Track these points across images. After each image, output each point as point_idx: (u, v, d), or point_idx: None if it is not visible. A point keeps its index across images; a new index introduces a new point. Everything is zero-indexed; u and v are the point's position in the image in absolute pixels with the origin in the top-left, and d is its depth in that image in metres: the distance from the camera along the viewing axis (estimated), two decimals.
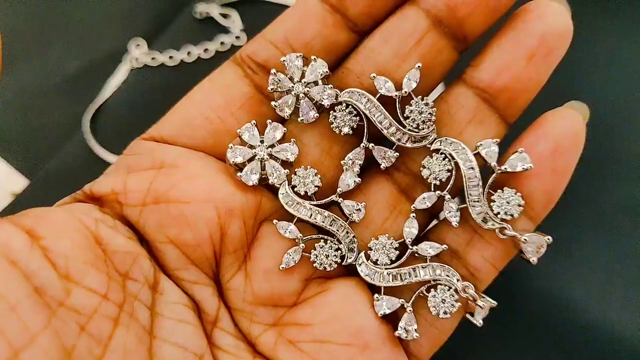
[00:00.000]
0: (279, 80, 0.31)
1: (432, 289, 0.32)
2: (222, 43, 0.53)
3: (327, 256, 0.32)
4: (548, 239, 0.30)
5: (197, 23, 0.54)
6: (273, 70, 0.31)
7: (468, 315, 0.32)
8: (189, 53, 0.52)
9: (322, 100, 0.31)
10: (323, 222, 0.32)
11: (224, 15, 0.54)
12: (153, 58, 0.52)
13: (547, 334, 0.42)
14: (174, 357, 0.28)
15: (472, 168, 0.31)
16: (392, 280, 0.32)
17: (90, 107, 0.50)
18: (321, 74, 0.31)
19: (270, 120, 0.32)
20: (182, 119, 0.32)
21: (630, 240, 0.44)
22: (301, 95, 0.31)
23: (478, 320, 0.31)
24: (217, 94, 0.32)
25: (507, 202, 0.31)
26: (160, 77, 0.52)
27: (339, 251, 0.32)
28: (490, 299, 0.31)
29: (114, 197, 0.30)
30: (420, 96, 0.31)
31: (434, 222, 0.34)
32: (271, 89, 0.31)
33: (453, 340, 0.33)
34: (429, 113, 0.31)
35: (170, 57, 0.52)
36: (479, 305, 0.31)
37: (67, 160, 0.50)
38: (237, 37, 0.53)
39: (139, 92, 0.51)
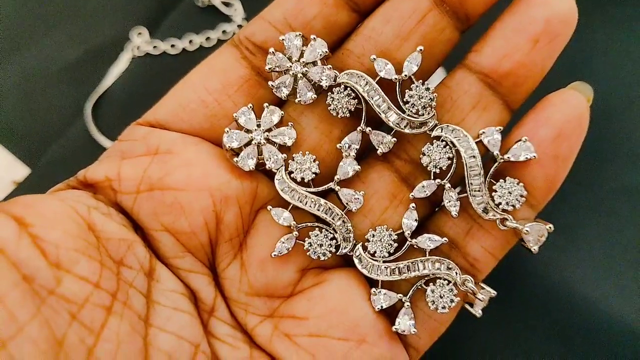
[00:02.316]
0: (277, 60, 0.30)
1: (431, 283, 0.31)
2: (224, 32, 0.52)
3: (320, 245, 0.31)
4: (549, 227, 0.29)
5: (199, 11, 0.53)
6: (271, 49, 0.30)
7: (467, 306, 0.31)
8: (190, 42, 0.52)
9: (321, 81, 0.31)
10: (318, 210, 0.31)
11: (226, 4, 0.53)
12: (155, 46, 0.51)
13: (547, 319, 0.42)
14: (170, 345, 0.27)
15: (474, 156, 0.30)
16: (390, 275, 0.31)
17: (92, 96, 0.50)
18: (320, 54, 0.30)
19: (267, 104, 0.31)
20: (178, 103, 0.31)
21: (629, 225, 0.43)
22: (299, 75, 0.31)
23: (477, 311, 0.30)
24: (214, 76, 0.31)
25: (509, 193, 0.30)
26: (162, 65, 0.52)
27: (334, 240, 0.31)
28: (489, 289, 0.30)
29: (108, 184, 0.30)
30: (420, 80, 0.30)
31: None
32: (269, 69, 0.31)
33: (451, 327, 0.32)
34: (430, 98, 0.30)
35: (172, 46, 0.51)
36: (479, 298, 0.30)
37: (68, 148, 0.49)
38: (239, 26, 0.52)
39: (140, 81, 0.51)
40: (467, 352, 0.42)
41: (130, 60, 0.50)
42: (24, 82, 0.51)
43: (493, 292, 0.30)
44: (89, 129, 0.49)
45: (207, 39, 0.53)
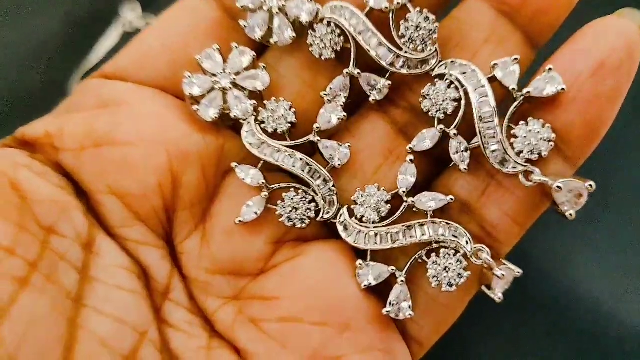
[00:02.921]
0: None
1: (433, 254, 0.24)
2: None
3: (295, 209, 0.25)
4: (590, 185, 0.23)
5: None
6: None
7: (484, 288, 0.24)
8: None
9: (300, 16, 0.26)
10: (294, 166, 0.25)
11: None
12: (147, 22, 0.48)
13: (552, 319, 0.40)
14: (106, 330, 0.23)
15: (485, 95, 0.24)
16: (380, 242, 0.25)
17: (77, 73, 0.47)
18: None
19: (236, 44, 0.26)
20: (139, 50, 0.27)
21: (634, 224, 0.41)
22: (275, 11, 0.26)
23: (497, 294, 0.24)
24: (181, 19, 0.27)
25: (533, 137, 0.23)
26: None
27: (313, 204, 0.25)
28: (513, 266, 0.23)
29: (48, 140, 0.25)
30: (418, 7, 0.25)
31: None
32: (241, 6, 0.26)
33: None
34: (430, 30, 0.25)
35: None
36: (497, 275, 0.23)
37: None
38: None
39: None
40: (467, 353, 0.39)
41: (120, 36, 0.47)
42: (3, 59, 0.48)
43: (518, 271, 0.24)
44: None
45: None
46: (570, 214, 0.23)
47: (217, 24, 0.27)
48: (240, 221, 0.25)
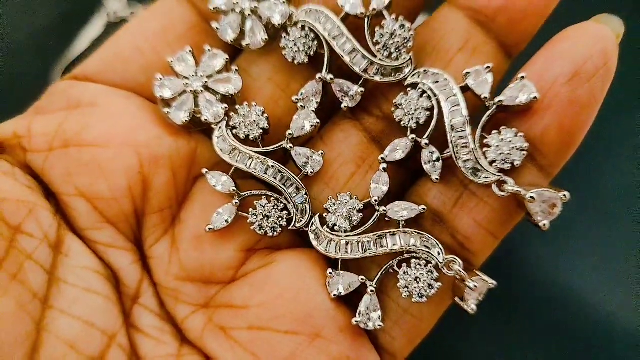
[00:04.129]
0: None
1: (404, 264, 0.24)
2: None
3: (267, 217, 0.25)
4: (564, 195, 0.22)
5: None
6: None
7: (458, 300, 0.24)
8: None
9: (273, 19, 0.25)
10: (266, 173, 0.25)
11: None
12: (132, 12, 0.48)
13: (544, 320, 0.40)
14: (73, 333, 0.22)
15: (457, 104, 0.24)
16: (351, 251, 0.24)
17: (60, 63, 0.46)
18: None
19: (209, 47, 0.26)
20: (111, 52, 0.27)
21: (628, 225, 0.41)
22: (248, 12, 0.26)
23: (470, 306, 0.23)
24: (154, 22, 0.27)
25: (505, 146, 0.23)
26: None
27: (285, 212, 0.25)
28: (486, 277, 0.23)
29: (17, 141, 0.25)
30: (394, 15, 0.25)
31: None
32: (214, 8, 0.26)
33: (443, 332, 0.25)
34: (404, 38, 0.25)
35: None
36: (469, 287, 0.23)
37: None
38: None
39: None
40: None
41: (104, 26, 0.47)
42: None
43: (491, 282, 0.23)
44: None
45: None
46: (544, 224, 0.23)
47: (191, 27, 0.27)
48: (210, 229, 0.25)
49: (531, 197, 0.23)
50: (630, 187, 0.42)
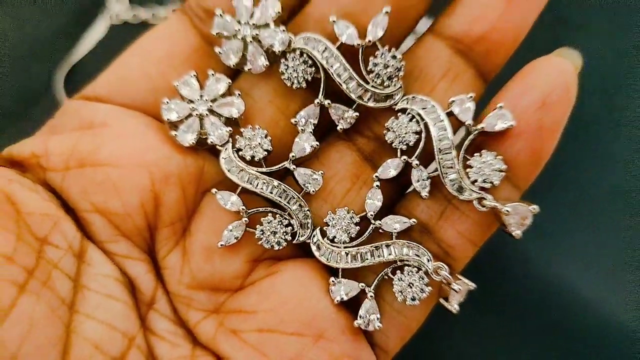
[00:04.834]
0: (225, 22, 0.27)
1: (398, 271, 0.27)
2: None
3: (274, 233, 0.27)
4: (533, 208, 0.26)
5: None
6: (218, 10, 0.27)
7: (442, 301, 0.27)
8: (174, 10, 0.48)
9: (273, 46, 0.27)
10: (271, 192, 0.27)
11: None
12: (134, 15, 0.48)
13: (538, 320, 0.41)
14: (98, 335, 0.24)
15: (444, 129, 0.27)
16: (351, 261, 0.27)
17: (63, 66, 0.46)
18: (273, 15, 0.27)
19: (212, 71, 0.28)
20: (119, 75, 0.28)
21: (620, 225, 0.42)
22: (249, 39, 0.27)
23: (453, 305, 0.27)
24: (160, 45, 0.28)
25: (486, 168, 0.26)
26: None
27: (290, 227, 0.27)
28: (467, 281, 0.27)
29: (35, 160, 0.26)
30: (387, 47, 0.27)
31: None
32: (216, 33, 0.27)
33: (428, 325, 0.28)
34: (396, 68, 0.27)
35: (154, 15, 0.48)
36: (454, 289, 0.26)
37: (36, 125, 0.45)
38: None
39: (118, 52, 0.47)
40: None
41: (107, 29, 0.46)
42: None
43: (471, 285, 0.27)
44: (61, 102, 0.45)
45: None
46: (517, 234, 0.26)
47: (195, 50, 0.28)
48: (222, 245, 0.27)
49: (507, 210, 0.26)
50: (622, 184, 0.43)
